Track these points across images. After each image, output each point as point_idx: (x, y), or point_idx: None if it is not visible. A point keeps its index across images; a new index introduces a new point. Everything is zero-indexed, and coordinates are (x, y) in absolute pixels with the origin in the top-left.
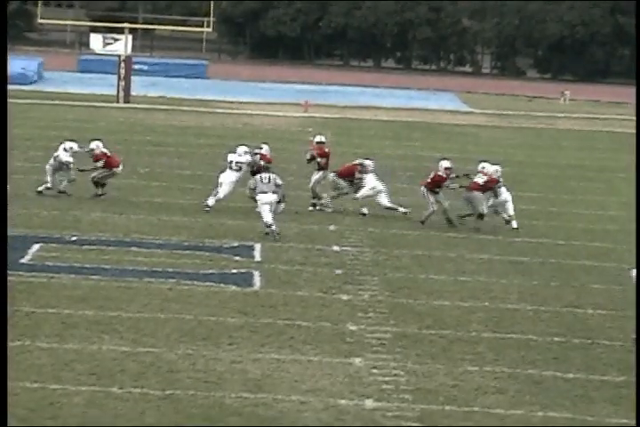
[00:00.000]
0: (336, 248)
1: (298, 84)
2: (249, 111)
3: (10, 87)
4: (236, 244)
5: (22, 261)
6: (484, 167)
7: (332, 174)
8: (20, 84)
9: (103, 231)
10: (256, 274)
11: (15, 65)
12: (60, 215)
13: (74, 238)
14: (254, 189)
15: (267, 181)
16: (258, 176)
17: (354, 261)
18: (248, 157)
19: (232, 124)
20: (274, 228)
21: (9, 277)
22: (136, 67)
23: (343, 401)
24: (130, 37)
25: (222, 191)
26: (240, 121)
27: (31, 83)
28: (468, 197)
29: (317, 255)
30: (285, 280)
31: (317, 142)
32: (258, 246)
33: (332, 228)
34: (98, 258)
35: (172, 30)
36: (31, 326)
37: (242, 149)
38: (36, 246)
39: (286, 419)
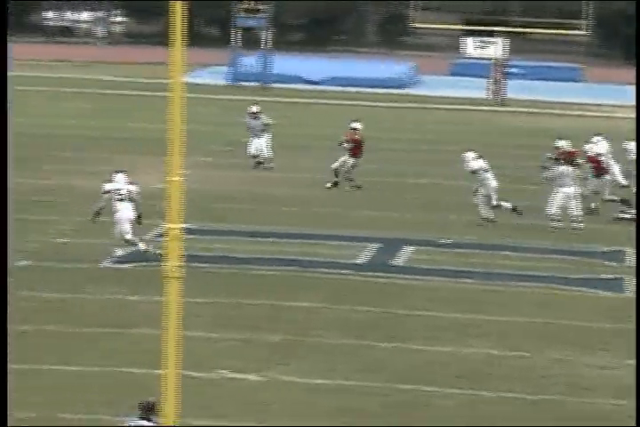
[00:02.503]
0: None
1: None
2: (621, 115)
3: (381, 91)
4: (605, 248)
5: (392, 262)
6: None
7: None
8: (393, 87)
9: (471, 234)
10: (628, 279)
11: (387, 69)
12: (430, 217)
13: (448, 241)
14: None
15: None
16: None
17: None
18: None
19: (600, 127)
20: None
21: (378, 280)
22: (510, 70)
23: None
24: (503, 41)
25: None
26: (609, 125)
27: (404, 86)
28: None
29: None
30: None
31: (351, 128)
32: (629, 251)
33: None
34: (467, 261)
35: (545, 33)
36: (401, 327)
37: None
38: (407, 249)
39: None
